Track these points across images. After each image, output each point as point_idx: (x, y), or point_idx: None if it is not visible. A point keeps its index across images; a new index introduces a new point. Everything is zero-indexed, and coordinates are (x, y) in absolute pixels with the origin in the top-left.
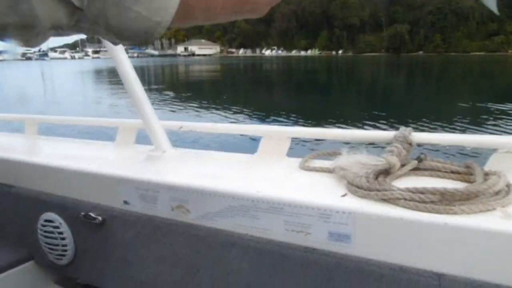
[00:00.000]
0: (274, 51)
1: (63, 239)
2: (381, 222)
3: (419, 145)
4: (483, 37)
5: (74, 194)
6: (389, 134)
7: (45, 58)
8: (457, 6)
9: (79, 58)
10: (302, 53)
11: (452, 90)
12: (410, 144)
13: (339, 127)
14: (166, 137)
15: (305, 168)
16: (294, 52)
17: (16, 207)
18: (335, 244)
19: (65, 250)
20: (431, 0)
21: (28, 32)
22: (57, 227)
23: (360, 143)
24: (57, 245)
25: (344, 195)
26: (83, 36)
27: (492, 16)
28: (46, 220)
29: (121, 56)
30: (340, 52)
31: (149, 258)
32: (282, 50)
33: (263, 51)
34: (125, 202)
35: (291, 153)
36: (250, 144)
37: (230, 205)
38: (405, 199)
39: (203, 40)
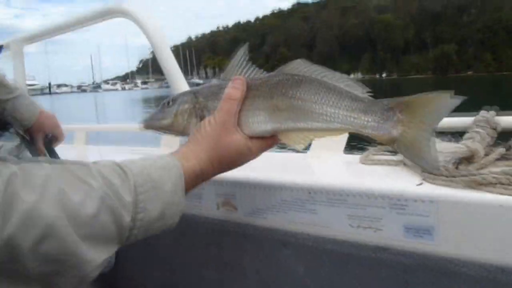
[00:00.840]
0: None
1: None
2: (472, 211)
3: (505, 131)
4: None
5: None
6: (466, 119)
7: (98, 89)
8: (508, 23)
9: (129, 88)
10: None
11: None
12: (495, 128)
13: None
14: None
15: (367, 162)
16: None
17: None
18: (413, 241)
19: None
20: (479, 18)
21: None
22: None
23: None
24: None
25: (420, 184)
26: (134, 69)
27: None
28: None
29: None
30: (384, 74)
31: (193, 261)
32: None
33: None
34: None
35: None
36: None
37: (282, 199)
38: (502, 183)
39: None
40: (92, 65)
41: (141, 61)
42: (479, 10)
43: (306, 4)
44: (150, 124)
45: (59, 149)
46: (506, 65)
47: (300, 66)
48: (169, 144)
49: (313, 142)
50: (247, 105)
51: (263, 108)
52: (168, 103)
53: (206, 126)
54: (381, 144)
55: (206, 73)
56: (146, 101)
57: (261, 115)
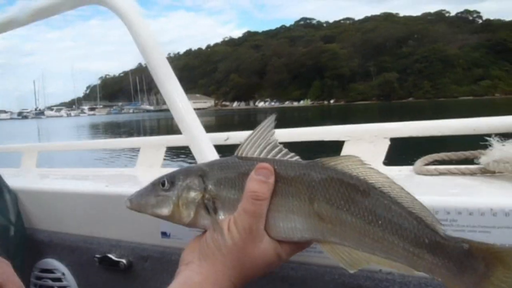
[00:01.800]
0: (267, 103)
1: None
2: None
3: None
4: (470, 82)
5: (85, 230)
6: None
7: (42, 116)
8: (442, 54)
9: (75, 115)
10: (295, 103)
11: None
12: None
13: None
14: (215, 151)
15: (424, 172)
16: (287, 103)
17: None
18: None
19: None
20: (416, 50)
21: None
22: (59, 279)
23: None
24: None
25: None
26: (80, 95)
27: (478, 61)
28: (42, 270)
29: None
30: (332, 101)
31: None
32: (275, 102)
33: (257, 103)
34: (164, 234)
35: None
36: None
37: None
38: None
39: (197, 95)
40: (35, 91)
41: (88, 87)
42: (417, 42)
43: (256, 33)
44: (140, 207)
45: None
46: (442, 92)
47: (352, 165)
48: (146, 162)
49: (342, 153)
50: (276, 204)
51: (299, 213)
52: (163, 184)
53: (226, 237)
54: None
55: (157, 99)
56: (93, 126)
57: (297, 222)
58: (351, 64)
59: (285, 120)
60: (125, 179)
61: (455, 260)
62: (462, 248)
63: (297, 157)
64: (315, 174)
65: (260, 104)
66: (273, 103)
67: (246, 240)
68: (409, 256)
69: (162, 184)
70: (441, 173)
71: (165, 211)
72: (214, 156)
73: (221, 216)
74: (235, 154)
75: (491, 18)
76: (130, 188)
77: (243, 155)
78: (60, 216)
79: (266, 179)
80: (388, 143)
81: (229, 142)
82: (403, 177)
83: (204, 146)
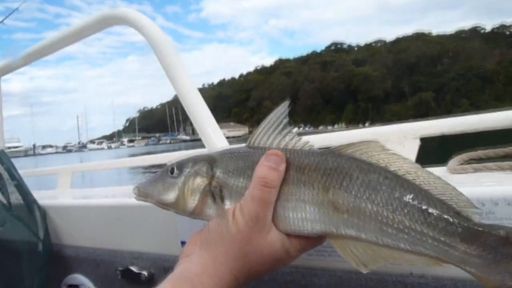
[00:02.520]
0: (301, 128)
1: None
2: None
3: None
4: None
5: (108, 244)
6: None
7: (84, 149)
8: (480, 70)
9: (115, 147)
10: (329, 127)
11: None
12: None
13: None
14: None
15: (459, 171)
16: (321, 128)
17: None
18: None
19: None
20: (452, 67)
21: None
22: None
23: None
24: None
25: None
26: (120, 128)
27: None
28: (69, 286)
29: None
30: (367, 123)
31: None
32: (309, 127)
33: (291, 128)
34: (184, 244)
35: None
36: None
37: None
38: None
39: (232, 123)
40: (78, 125)
41: (127, 120)
42: (452, 60)
43: (287, 60)
44: (146, 194)
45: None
46: (482, 109)
47: (372, 151)
48: None
49: None
50: (287, 193)
51: (311, 203)
52: (172, 170)
53: (230, 225)
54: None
55: (192, 129)
56: (133, 156)
57: (308, 212)
58: (384, 85)
59: (320, 146)
60: None
61: (490, 248)
62: (498, 235)
63: (311, 146)
64: (331, 161)
65: (294, 130)
66: (307, 128)
67: (251, 228)
68: (440, 247)
69: (171, 171)
70: (477, 170)
71: (171, 197)
72: None
73: (228, 205)
74: (247, 143)
75: None
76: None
77: (255, 144)
78: (85, 231)
79: (276, 165)
80: (418, 143)
81: None
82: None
83: None
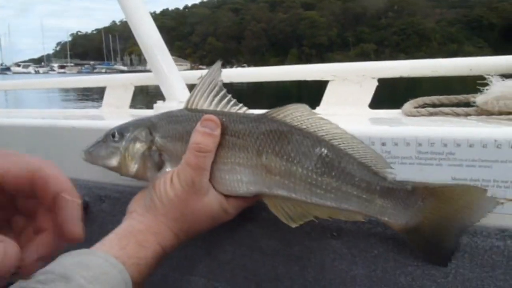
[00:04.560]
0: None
1: None
2: None
3: None
4: (444, 57)
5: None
6: None
7: (7, 72)
8: (419, 27)
9: (44, 72)
10: None
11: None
12: None
13: None
14: (187, 91)
15: (414, 113)
16: None
17: None
18: None
19: None
20: (395, 21)
21: None
22: None
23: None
24: None
25: None
26: (50, 52)
27: (453, 37)
28: None
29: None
30: None
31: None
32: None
33: (234, 67)
34: None
35: None
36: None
37: None
38: None
39: (173, 57)
40: (0, 46)
41: (58, 43)
42: (396, 14)
43: None
44: (92, 159)
45: None
46: None
47: (301, 116)
48: (113, 103)
49: (325, 94)
50: (223, 156)
51: (246, 166)
52: (114, 135)
53: (168, 189)
54: None
55: (131, 60)
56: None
57: (243, 174)
58: (330, 33)
59: (262, 88)
60: (89, 119)
61: (401, 200)
62: (407, 189)
63: (245, 109)
64: (263, 127)
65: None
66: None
67: (188, 193)
68: (362, 203)
69: (112, 136)
70: (432, 114)
71: (114, 162)
72: (186, 95)
73: (168, 168)
74: (184, 106)
75: None
76: (86, 121)
77: (193, 106)
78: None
79: (211, 131)
80: (375, 83)
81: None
82: (390, 119)
83: (176, 84)
